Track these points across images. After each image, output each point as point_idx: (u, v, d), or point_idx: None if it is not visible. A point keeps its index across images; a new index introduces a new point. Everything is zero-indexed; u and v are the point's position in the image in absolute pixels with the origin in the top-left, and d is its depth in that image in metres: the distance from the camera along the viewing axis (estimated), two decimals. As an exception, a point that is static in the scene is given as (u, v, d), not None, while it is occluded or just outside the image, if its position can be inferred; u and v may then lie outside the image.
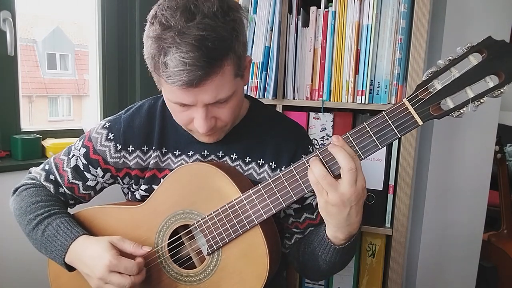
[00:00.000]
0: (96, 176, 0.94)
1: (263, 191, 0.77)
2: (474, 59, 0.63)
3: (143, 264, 0.80)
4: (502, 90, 0.62)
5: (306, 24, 1.38)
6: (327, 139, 1.40)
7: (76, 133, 1.59)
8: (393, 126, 0.68)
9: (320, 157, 0.71)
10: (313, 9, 1.35)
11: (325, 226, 0.77)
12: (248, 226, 0.78)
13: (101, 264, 0.76)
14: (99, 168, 0.93)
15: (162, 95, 0.90)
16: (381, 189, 1.35)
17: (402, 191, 1.31)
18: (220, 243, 0.80)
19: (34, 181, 0.95)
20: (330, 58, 1.34)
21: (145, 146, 0.92)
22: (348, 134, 0.70)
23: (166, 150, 0.92)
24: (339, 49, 1.32)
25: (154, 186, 0.91)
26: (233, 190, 0.79)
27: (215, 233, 0.80)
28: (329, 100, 1.36)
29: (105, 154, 0.91)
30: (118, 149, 0.91)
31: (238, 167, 0.90)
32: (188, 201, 0.83)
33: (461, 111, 0.65)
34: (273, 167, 0.90)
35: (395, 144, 1.32)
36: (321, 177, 0.68)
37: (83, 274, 0.81)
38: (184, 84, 0.69)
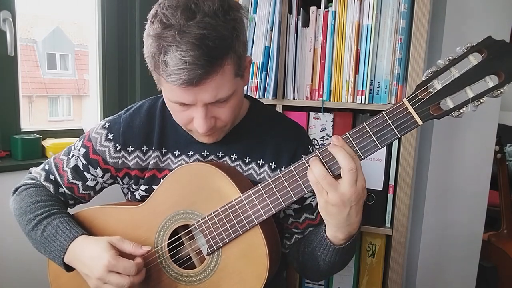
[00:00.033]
0: (95, 176, 0.94)
1: (263, 191, 0.77)
2: (474, 59, 0.63)
3: (142, 265, 0.80)
4: (502, 90, 0.62)
5: (306, 24, 1.38)
6: (327, 139, 1.40)
7: (76, 133, 1.59)
8: (393, 126, 0.68)
9: (320, 157, 0.71)
10: (313, 9, 1.35)
11: (325, 226, 0.77)
12: (248, 226, 0.78)
13: (100, 264, 0.76)
14: (98, 168, 0.93)
15: (162, 95, 0.90)
16: (381, 189, 1.34)
17: (402, 191, 1.31)
18: (220, 243, 0.80)
19: (34, 181, 0.95)
20: (330, 58, 1.34)
21: (145, 146, 0.92)
22: (348, 134, 0.70)
23: (166, 150, 0.92)
24: (339, 49, 1.32)
25: (154, 186, 0.91)
26: (233, 190, 0.79)
27: (215, 233, 0.80)
28: (329, 100, 1.36)
29: (105, 154, 0.91)
30: (117, 149, 0.91)
31: (238, 167, 0.90)
32: (188, 201, 0.83)
33: (461, 111, 0.65)
34: (273, 167, 0.90)
35: (395, 144, 1.32)
36: (321, 177, 0.68)
37: (82, 274, 0.81)
38: (184, 83, 0.69)
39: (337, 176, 0.69)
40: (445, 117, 0.66)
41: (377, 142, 0.69)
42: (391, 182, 1.34)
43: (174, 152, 0.92)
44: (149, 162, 0.92)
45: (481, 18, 1.53)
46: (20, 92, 1.43)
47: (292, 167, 0.74)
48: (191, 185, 0.83)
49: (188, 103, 0.75)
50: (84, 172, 0.93)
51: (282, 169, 0.85)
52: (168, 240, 0.84)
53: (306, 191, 0.74)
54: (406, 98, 0.67)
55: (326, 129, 1.40)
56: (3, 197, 1.09)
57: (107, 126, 0.93)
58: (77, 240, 0.82)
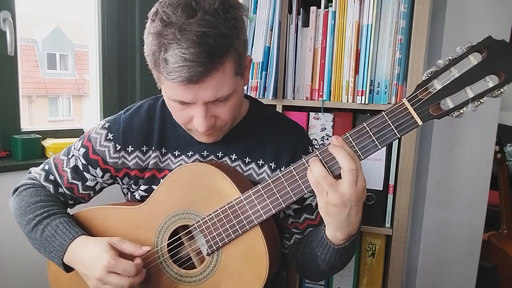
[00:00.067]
0: (95, 176, 0.94)
1: (262, 192, 0.77)
2: (474, 59, 0.63)
3: (141, 265, 0.80)
4: (502, 90, 0.62)
5: (306, 24, 1.38)
6: (327, 139, 1.40)
7: (76, 133, 1.59)
8: (392, 126, 0.68)
9: (320, 157, 0.71)
10: (313, 9, 1.34)
11: (325, 226, 0.77)
12: (247, 227, 0.78)
13: (99, 265, 0.76)
14: (98, 168, 0.93)
15: (162, 95, 0.90)
16: (381, 189, 1.34)
17: (402, 191, 1.31)
18: (220, 244, 0.80)
19: (34, 181, 0.95)
20: (330, 58, 1.34)
21: (145, 146, 0.92)
22: (347, 134, 0.70)
23: (165, 151, 0.92)
24: (339, 49, 1.32)
25: (154, 187, 0.91)
26: (233, 190, 0.79)
27: (214, 234, 0.80)
28: (329, 100, 1.36)
29: (105, 154, 0.91)
30: (117, 149, 0.91)
31: (238, 167, 0.90)
32: (188, 201, 0.83)
33: (461, 111, 0.65)
34: (272, 167, 0.90)
35: (395, 144, 1.32)
36: (321, 177, 0.68)
37: (81, 274, 0.81)
38: (184, 80, 0.69)
39: (337, 176, 0.69)
40: (445, 117, 0.66)
41: (377, 142, 0.69)
42: (391, 182, 1.34)
43: (174, 152, 0.92)
44: (148, 162, 0.92)
45: (481, 18, 1.53)
46: (20, 92, 1.43)
47: (292, 167, 0.74)
48: (190, 185, 0.83)
49: (188, 102, 0.75)
50: (84, 172, 0.93)
51: (282, 169, 0.85)
52: (168, 240, 0.84)
53: (306, 191, 0.74)
54: (406, 98, 0.67)
55: (326, 129, 1.40)
56: (3, 197, 1.09)
57: (107, 126, 0.93)
58: (76, 240, 0.82)
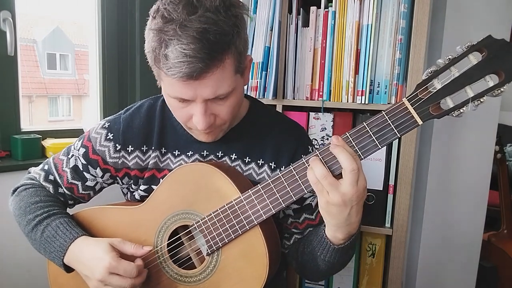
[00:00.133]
0: (95, 176, 0.94)
1: (262, 192, 0.77)
2: (474, 58, 0.62)
3: (143, 266, 0.80)
4: (502, 89, 0.62)
5: (306, 24, 1.38)
6: (327, 139, 1.40)
7: (76, 133, 1.59)
8: (392, 126, 0.68)
9: (320, 157, 0.71)
10: (313, 9, 1.34)
11: (324, 226, 0.77)
12: (247, 227, 0.78)
13: (100, 266, 0.76)
14: (98, 168, 0.93)
15: (162, 95, 0.90)
16: (381, 189, 1.34)
17: (402, 191, 1.31)
18: (220, 244, 0.80)
19: (33, 181, 0.95)
20: (330, 58, 1.34)
21: (145, 146, 0.92)
22: (347, 134, 0.70)
23: (165, 150, 0.92)
24: (339, 49, 1.32)
25: (153, 186, 0.91)
26: (233, 190, 0.79)
27: (214, 234, 0.80)
28: (329, 100, 1.36)
29: (104, 154, 0.91)
30: (117, 149, 0.91)
31: (238, 167, 0.90)
32: (188, 201, 0.83)
33: (461, 110, 0.65)
34: (272, 167, 0.90)
35: (395, 144, 1.32)
36: (322, 177, 0.68)
37: (82, 275, 0.81)
38: (184, 76, 0.69)
39: (337, 176, 0.69)
40: (445, 117, 0.66)
41: (377, 142, 0.69)
42: (391, 182, 1.34)
43: (174, 152, 0.91)
44: (148, 162, 0.92)
45: (481, 18, 1.53)
46: (20, 92, 1.43)
47: (291, 167, 0.74)
48: (190, 185, 0.83)
49: (187, 99, 0.75)
50: (84, 172, 0.93)
51: (281, 169, 0.85)
52: (168, 240, 0.84)
53: (305, 191, 0.74)
54: (406, 98, 0.67)
55: (326, 129, 1.39)
56: (3, 197, 1.09)
57: (107, 126, 0.93)
58: (77, 241, 0.82)
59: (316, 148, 0.74)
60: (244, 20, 0.76)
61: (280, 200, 0.76)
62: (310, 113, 1.40)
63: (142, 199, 0.91)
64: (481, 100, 0.63)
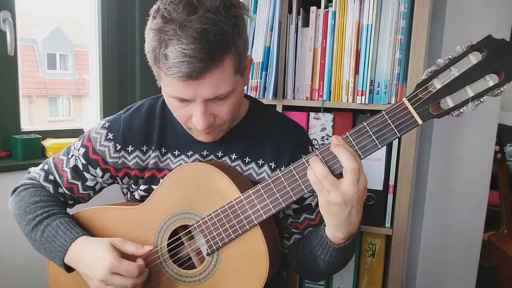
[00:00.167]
0: (95, 176, 0.94)
1: (262, 191, 0.77)
2: (474, 58, 0.63)
3: (144, 266, 0.80)
4: (502, 89, 0.62)
5: (306, 24, 1.38)
6: (327, 139, 1.40)
7: (76, 133, 1.59)
8: (392, 126, 0.68)
9: (320, 157, 0.71)
10: (313, 9, 1.35)
11: (325, 225, 0.77)
12: (247, 226, 0.78)
13: (102, 266, 0.76)
14: (98, 168, 0.93)
15: (162, 95, 0.90)
16: (381, 189, 1.34)
17: (402, 191, 1.31)
18: (220, 244, 0.80)
19: (33, 181, 0.95)
20: (330, 58, 1.34)
21: (145, 146, 0.92)
22: (347, 134, 0.70)
23: (165, 150, 0.92)
24: (339, 49, 1.32)
25: (153, 186, 0.91)
26: (233, 190, 0.79)
27: (214, 234, 0.80)
28: (329, 100, 1.36)
29: (105, 154, 0.91)
30: (117, 149, 0.91)
31: (238, 167, 0.90)
32: (188, 201, 0.83)
33: (461, 110, 0.65)
34: (272, 167, 0.90)
35: (395, 144, 1.32)
36: (323, 176, 0.68)
37: (83, 275, 0.81)
38: (184, 76, 0.69)
39: (337, 176, 0.69)
40: (445, 117, 0.66)
41: (377, 142, 0.69)
42: (391, 182, 1.34)
43: (174, 152, 0.91)
44: (148, 162, 0.92)
45: (481, 18, 1.53)
46: (20, 92, 1.43)
47: (292, 167, 0.74)
48: (190, 185, 0.83)
49: (187, 99, 0.75)
50: (84, 172, 0.93)
51: (281, 169, 0.85)
52: (168, 240, 0.84)
53: (306, 191, 0.74)
54: (406, 98, 0.67)
55: (326, 129, 1.39)
56: (3, 197, 1.09)
57: (107, 126, 0.93)
58: (77, 240, 0.82)
59: (316, 148, 0.74)
60: (244, 21, 0.76)
61: (280, 200, 0.76)
62: (310, 113, 1.40)
63: (142, 199, 0.91)
64: (481, 99, 0.63)
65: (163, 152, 0.92)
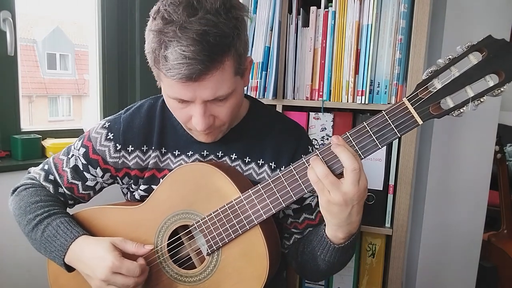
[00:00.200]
0: (95, 176, 0.94)
1: (262, 191, 0.77)
2: (474, 58, 0.63)
3: (145, 265, 0.80)
4: (502, 89, 0.62)
5: (306, 24, 1.38)
6: (327, 139, 1.40)
7: (76, 133, 1.59)
8: (393, 126, 0.68)
9: (320, 156, 0.71)
10: (313, 9, 1.34)
11: (325, 225, 0.77)
12: (247, 226, 0.78)
13: (103, 266, 0.76)
14: (98, 168, 0.93)
15: (162, 95, 0.90)
16: (381, 189, 1.34)
17: (402, 191, 1.31)
18: (220, 243, 0.80)
19: (33, 181, 0.95)
20: (330, 58, 1.34)
21: (145, 146, 0.92)
22: (348, 134, 0.70)
23: (165, 150, 0.92)
24: (339, 49, 1.32)
25: (153, 186, 0.91)
26: (233, 190, 0.79)
27: (214, 233, 0.80)
28: (329, 100, 1.36)
29: (105, 154, 0.91)
30: (117, 149, 0.91)
31: (238, 167, 0.90)
32: (188, 201, 0.83)
33: (461, 110, 0.65)
34: (272, 167, 0.90)
35: (395, 144, 1.32)
36: (323, 176, 0.68)
37: (84, 274, 0.81)
38: (183, 78, 0.69)
39: (337, 176, 0.69)
40: (445, 117, 0.66)
41: (377, 142, 0.69)
42: (391, 182, 1.34)
43: (174, 152, 0.91)
44: (148, 162, 0.92)
45: (481, 18, 1.53)
46: (20, 92, 1.43)
47: (292, 167, 0.74)
48: (190, 185, 0.83)
49: (187, 100, 0.75)
50: (84, 172, 0.93)
51: (281, 169, 0.85)
52: (168, 240, 0.84)
53: (306, 191, 0.74)
54: (406, 98, 0.67)
55: (326, 129, 1.39)
56: (3, 197, 1.09)
57: (107, 126, 0.93)
58: (78, 240, 0.82)
59: (316, 148, 0.74)
60: (244, 22, 0.76)
61: (281, 200, 0.76)
62: (310, 113, 1.40)
63: (142, 199, 0.91)
64: (481, 100, 0.63)
65: (163, 152, 0.92)
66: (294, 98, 1.39)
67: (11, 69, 1.38)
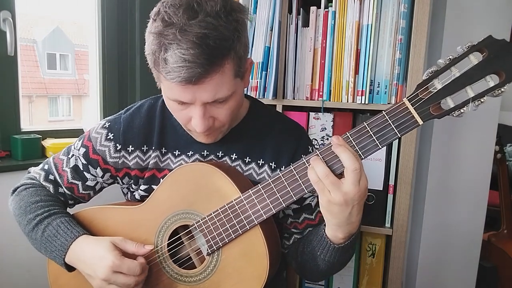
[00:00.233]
0: (95, 176, 0.94)
1: (262, 191, 0.77)
2: (475, 58, 0.63)
3: (145, 264, 0.80)
4: (502, 90, 0.62)
5: (306, 24, 1.38)
6: (327, 139, 1.40)
7: (76, 133, 1.59)
8: (393, 126, 0.68)
9: (320, 156, 0.71)
10: (313, 9, 1.34)
11: (325, 225, 0.77)
12: (248, 226, 0.78)
13: (103, 265, 0.76)
14: (98, 168, 0.93)
15: (162, 95, 0.90)
16: (381, 189, 1.34)
17: (402, 191, 1.31)
18: (220, 243, 0.80)
19: (34, 181, 0.95)
20: (330, 58, 1.34)
21: (145, 146, 0.92)
22: (348, 134, 0.70)
23: (165, 150, 0.92)
24: (339, 49, 1.32)
25: (154, 186, 0.91)
26: (233, 190, 0.79)
27: (214, 233, 0.80)
28: (329, 100, 1.36)
29: (105, 154, 0.91)
30: (117, 149, 0.91)
31: (238, 167, 0.90)
32: (188, 201, 0.83)
33: (462, 110, 0.65)
34: (272, 167, 0.90)
35: (395, 144, 1.32)
36: (324, 175, 0.68)
37: (84, 274, 0.81)
38: (183, 81, 0.69)
39: (337, 176, 0.69)
40: (445, 117, 0.66)
41: (377, 142, 0.69)
42: (391, 182, 1.34)
43: (174, 152, 0.92)
44: (149, 162, 0.92)
45: (481, 18, 1.53)
46: (20, 92, 1.43)
47: (292, 167, 0.74)
48: (190, 185, 0.83)
49: (186, 102, 0.75)
50: (84, 172, 0.93)
51: (282, 169, 0.85)
52: (168, 240, 0.84)
53: (306, 191, 0.74)
54: (407, 98, 0.67)
55: (326, 129, 1.40)
56: (3, 197, 1.09)
57: (107, 126, 0.93)
58: (78, 240, 0.82)
59: (316, 148, 0.74)
60: (245, 24, 0.76)
61: (281, 200, 0.76)
62: (310, 113, 1.40)
63: (142, 199, 0.91)
64: (482, 100, 0.63)
65: (163, 152, 0.92)
66: (294, 98, 1.39)
67: (11, 69, 1.39)
